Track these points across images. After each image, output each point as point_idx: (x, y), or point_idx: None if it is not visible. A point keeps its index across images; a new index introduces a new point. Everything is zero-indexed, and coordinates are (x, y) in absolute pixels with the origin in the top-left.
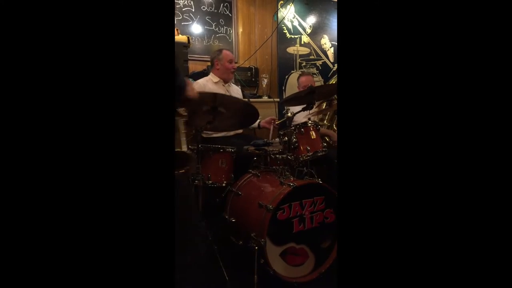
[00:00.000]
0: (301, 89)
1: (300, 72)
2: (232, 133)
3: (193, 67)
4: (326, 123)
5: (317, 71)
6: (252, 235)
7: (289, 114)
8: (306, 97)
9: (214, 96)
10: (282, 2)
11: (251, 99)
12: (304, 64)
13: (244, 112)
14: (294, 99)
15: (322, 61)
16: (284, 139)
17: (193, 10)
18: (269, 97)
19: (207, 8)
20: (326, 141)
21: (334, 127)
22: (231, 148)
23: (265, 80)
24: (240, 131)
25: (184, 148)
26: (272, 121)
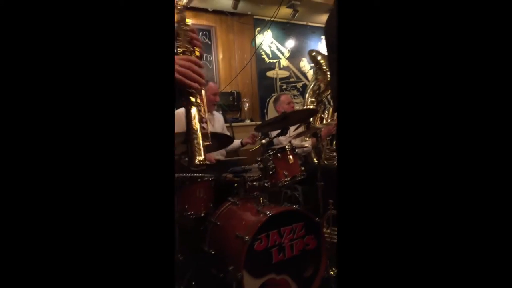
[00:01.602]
0: (283, 107)
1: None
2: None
3: None
4: (308, 145)
5: (298, 93)
6: (230, 268)
7: (263, 141)
8: (281, 123)
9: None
10: (259, 28)
11: (233, 124)
12: (284, 87)
13: (219, 139)
14: (269, 125)
15: (302, 83)
16: (261, 166)
17: None
18: (251, 120)
19: None
20: (316, 135)
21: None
22: (209, 177)
23: (247, 104)
24: (222, 157)
25: None
26: (253, 136)
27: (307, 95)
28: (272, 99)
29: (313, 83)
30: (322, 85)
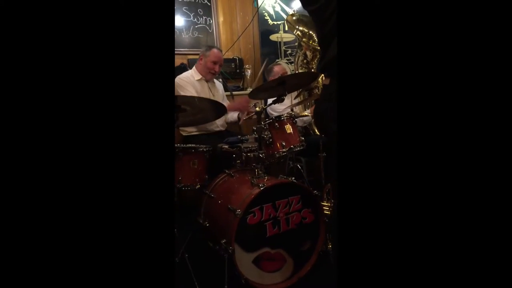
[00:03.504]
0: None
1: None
2: (212, 131)
3: None
4: (308, 114)
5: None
6: (222, 242)
7: (257, 108)
8: (276, 88)
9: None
10: None
11: (234, 92)
12: (289, 51)
13: (211, 108)
14: (264, 91)
15: None
16: (256, 136)
17: None
18: None
19: None
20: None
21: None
22: (204, 147)
23: (249, 71)
24: (222, 128)
25: None
26: (246, 102)
27: (297, 66)
28: (263, 68)
29: (298, 53)
30: (308, 53)
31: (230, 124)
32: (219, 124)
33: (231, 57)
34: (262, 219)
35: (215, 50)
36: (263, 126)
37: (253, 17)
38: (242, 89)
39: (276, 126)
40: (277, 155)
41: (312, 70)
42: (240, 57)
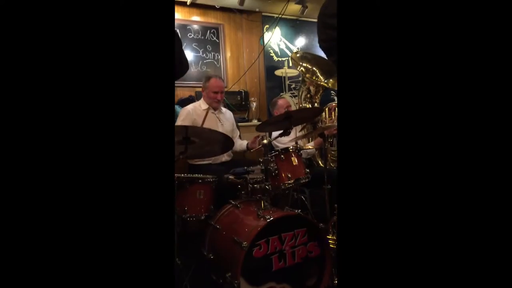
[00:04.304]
0: (280, 112)
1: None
2: (218, 160)
3: (181, 93)
4: (312, 146)
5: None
6: (227, 275)
7: (265, 141)
8: (283, 122)
9: (185, 128)
10: (267, 26)
11: (239, 124)
12: (293, 85)
13: (219, 140)
14: (271, 125)
15: None
16: (263, 168)
17: (180, 37)
18: (259, 120)
19: (194, 35)
20: (323, 136)
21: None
22: (211, 178)
23: (254, 104)
24: (228, 158)
25: None
26: (257, 139)
27: (301, 100)
28: (271, 102)
29: (302, 88)
30: (312, 88)
31: (235, 153)
32: (225, 153)
33: (237, 90)
34: (268, 252)
35: (213, 79)
36: (269, 158)
37: (259, 54)
38: (248, 121)
39: (282, 158)
40: (282, 187)
41: (315, 104)
42: (245, 90)
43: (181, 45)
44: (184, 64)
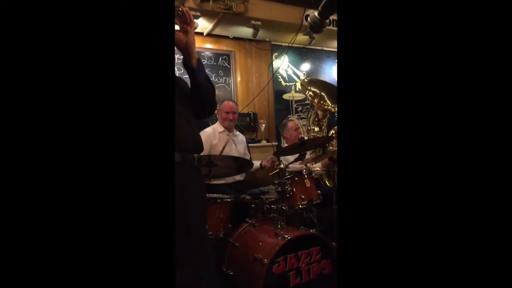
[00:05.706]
0: (290, 134)
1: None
2: (232, 180)
3: None
4: (319, 167)
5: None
6: None
7: (281, 166)
8: (298, 148)
9: (208, 157)
10: (276, 54)
11: (249, 144)
12: (300, 108)
13: (238, 163)
14: (287, 151)
15: None
16: (279, 189)
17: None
18: (267, 141)
19: (207, 61)
20: (332, 158)
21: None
22: (228, 198)
23: (263, 125)
24: (241, 178)
25: None
26: (272, 161)
27: (309, 123)
28: (281, 124)
29: (311, 112)
30: (319, 112)
31: (247, 174)
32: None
33: (247, 112)
34: (286, 269)
35: (226, 101)
36: (286, 180)
37: (269, 80)
38: (257, 141)
39: (296, 180)
40: (296, 208)
41: (323, 127)
42: (254, 111)
43: (214, 92)
44: (214, 106)
